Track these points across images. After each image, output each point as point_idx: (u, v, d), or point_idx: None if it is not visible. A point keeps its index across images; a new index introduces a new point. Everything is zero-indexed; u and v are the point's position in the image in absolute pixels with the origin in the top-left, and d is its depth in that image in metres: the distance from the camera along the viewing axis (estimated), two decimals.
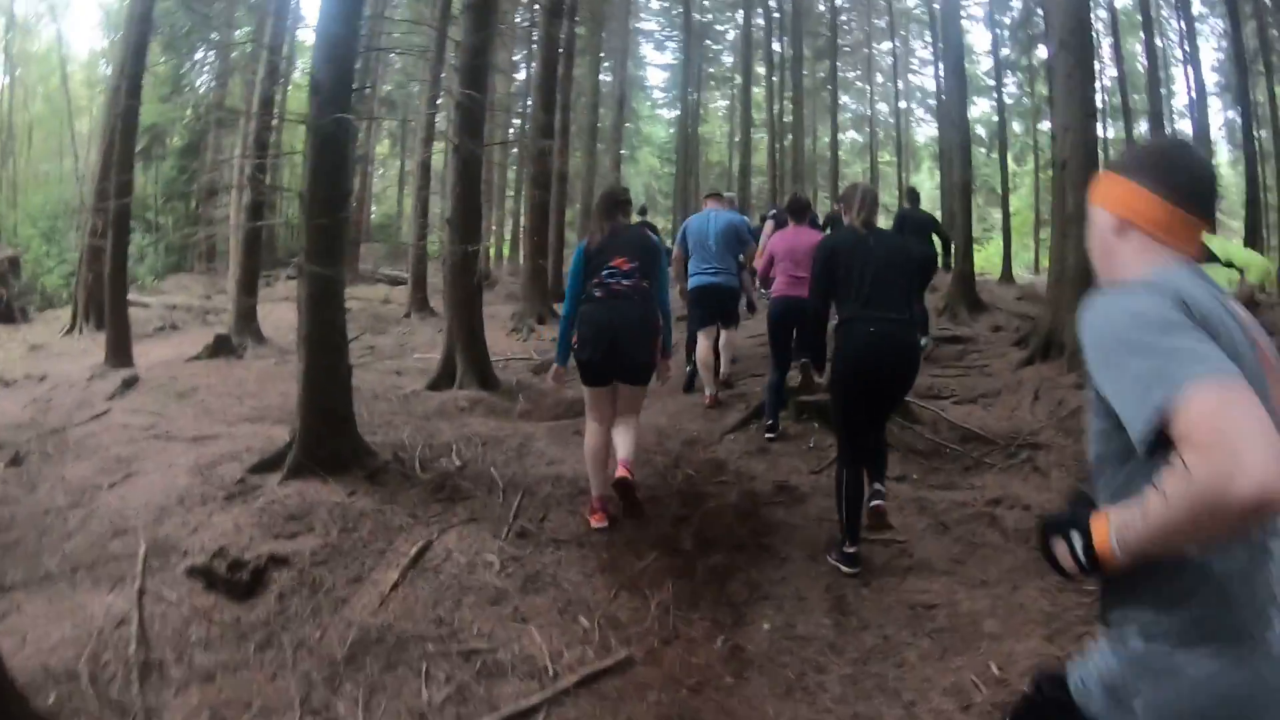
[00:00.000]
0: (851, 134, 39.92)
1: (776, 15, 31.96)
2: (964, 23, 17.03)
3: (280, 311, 16.29)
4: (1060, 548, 1.30)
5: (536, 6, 13.54)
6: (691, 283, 7.14)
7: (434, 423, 6.64)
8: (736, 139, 39.02)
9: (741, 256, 7.23)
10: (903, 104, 37.01)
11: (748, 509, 4.83)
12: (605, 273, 4.35)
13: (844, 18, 35.35)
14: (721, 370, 7.33)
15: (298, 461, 5.07)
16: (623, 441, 4.39)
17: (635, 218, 8.54)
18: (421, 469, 5.36)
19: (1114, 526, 1.21)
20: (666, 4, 36.68)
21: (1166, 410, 1.10)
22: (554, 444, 5.92)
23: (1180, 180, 1.40)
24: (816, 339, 4.49)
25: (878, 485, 4.28)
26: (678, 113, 36.56)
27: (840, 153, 38.07)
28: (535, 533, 4.38)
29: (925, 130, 40.01)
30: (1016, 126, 31.26)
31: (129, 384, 8.14)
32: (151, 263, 24.44)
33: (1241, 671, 1.19)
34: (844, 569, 4.07)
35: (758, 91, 34.45)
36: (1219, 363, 1.12)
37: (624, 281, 4.34)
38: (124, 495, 5.00)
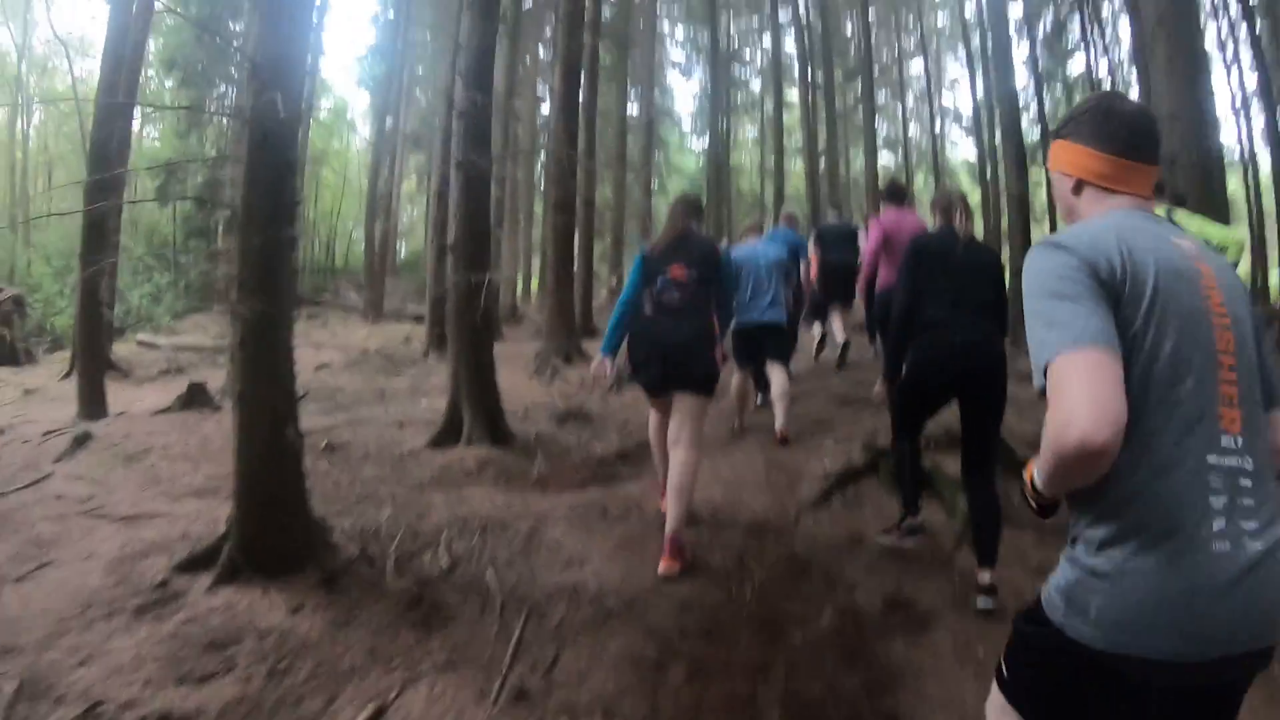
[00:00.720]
0: (885, 155, 38.47)
1: (806, 38, 30.72)
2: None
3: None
4: (1026, 490, 1.51)
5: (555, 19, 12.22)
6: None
7: (426, 495, 5.25)
8: (767, 166, 37.95)
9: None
10: (937, 123, 35.53)
11: (853, 644, 3.28)
12: (660, 283, 4.18)
13: (873, 37, 34.08)
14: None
15: (232, 560, 3.80)
16: (673, 504, 4.00)
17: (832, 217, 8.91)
18: (396, 571, 3.95)
19: (1035, 469, 1.46)
20: (692, 33, 35.77)
21: (1046, 373, 1.32)
22: (575, 531, 4.48)
23: (1117, 132, 1.52)
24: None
25: (985, 575, 3.52)
26: (707, 143, 35.58)
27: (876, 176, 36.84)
28: (539, 692, 2.90)
29: (958, 152, 38.65)
30: None
31: (80, 442, 6.82)
32: (170, 303, 23.43)
33: (1176, 572, 1.28)
34: (908, 545, 4.01)
35: (788, 118, 33.15)
36: (1082, 334, 1.29)
37: (676, 294, 4.15)
38: (29, 594, 3.86)
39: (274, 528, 3.84)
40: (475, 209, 6.81)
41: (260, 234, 3.75)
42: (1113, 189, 1.52)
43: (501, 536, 4.36)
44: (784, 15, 29.99)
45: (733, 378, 6.60)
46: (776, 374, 6.44)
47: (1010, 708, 1.51)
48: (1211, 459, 1.32)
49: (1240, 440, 1.34)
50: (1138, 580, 1.30)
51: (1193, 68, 7.29)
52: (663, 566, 3.84)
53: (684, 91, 49.72)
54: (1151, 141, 1.55)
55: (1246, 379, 1.39)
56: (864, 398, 6.65)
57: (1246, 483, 1.33)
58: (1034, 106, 24.22)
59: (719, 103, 32.62)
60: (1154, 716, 1.35)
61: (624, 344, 4.32)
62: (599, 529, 4.44)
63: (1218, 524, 1.30)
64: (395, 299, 26.92)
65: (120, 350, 16.38)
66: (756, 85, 38.10)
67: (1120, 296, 1.35)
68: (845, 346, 8.39)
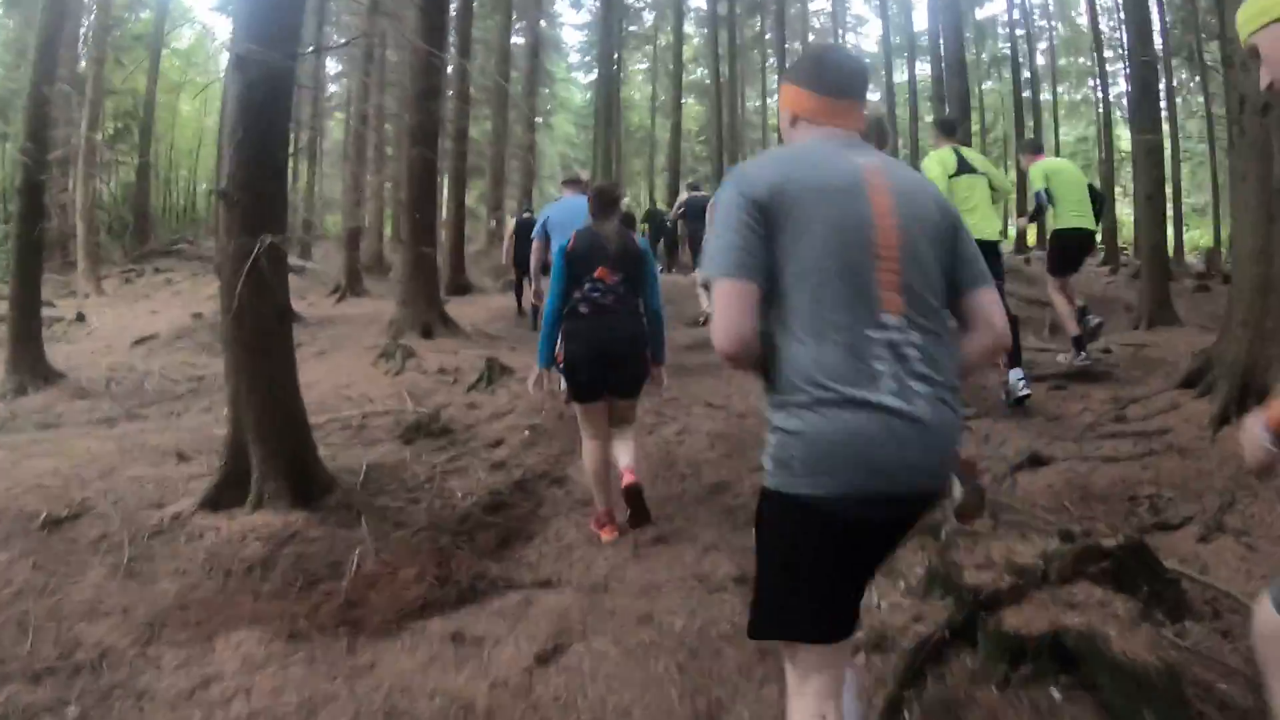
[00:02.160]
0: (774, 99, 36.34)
1: None
2: None
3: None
4: None
5: None
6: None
7: (127, 682, 2.76)
8: (659, 101, 35.34)
9: None
10: None
11: None
12: (589, 286, 3.91)
13: None
14: None
15: None
16: (624, 450, 4.03)
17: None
18: None
19: None
20: None
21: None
22: None
23: (827, 76, 1.77)
24: None
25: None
26: (595, 76, 32.73)
27: (769, 120, 34.74)
28: None
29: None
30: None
31: None
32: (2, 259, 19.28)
33: (854, 422, 1.50)
34: None
35: (686, 51, 30.57)
36: (727, 267, 1.55)
37: (609, 296, 3.92)
38: None
39: None
40: (262, 133, 4.20)
41: None
42: (819, 122, 1.76)
43: None
44: None
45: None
46: None
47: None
48: (871, 333, 1.54)
49: (903, 319, 1.56)
50: (824, 429, 1.51)
51: None
52: (626, 479, 3.92)
53: (573, 21, 46.60)
54: (857, 83, 1.80)
55: (911, 270, 1.59)
56: None
57: (913, 352, 1.56)
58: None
59: (610, 32, 29.80)
60: (852, 550, 1.60)
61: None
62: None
63: (887, 384, 1.52)
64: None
65: None
66: (649, 17, 35.10)
67: (769, 213, 1.57)
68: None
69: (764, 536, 1.66)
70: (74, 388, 8.10)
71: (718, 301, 1.56)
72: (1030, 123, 24.68)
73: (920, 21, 27.29)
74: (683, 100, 27.43)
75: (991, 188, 5.77)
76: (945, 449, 1.60)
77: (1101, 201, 6.41)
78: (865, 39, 34.32)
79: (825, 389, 1.51)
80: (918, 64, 28.21)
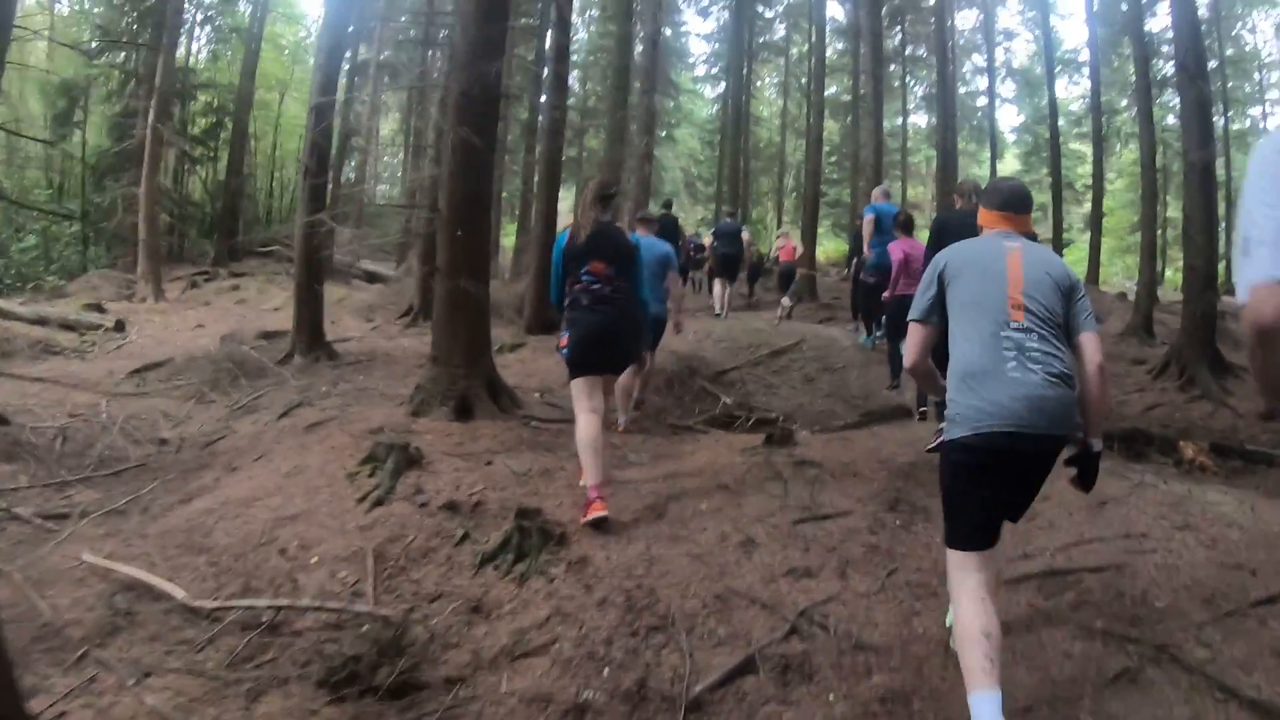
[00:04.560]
0: (918, 118, 32.23)
1: None
2: None
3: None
4: None
5: None
6: None
7: None
8: (791, 117, 31.94)
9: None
10: (982, 83, 29.21)
11: None
12: (585, 278, 4.15)
13: None
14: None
15: None
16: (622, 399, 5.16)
17: (657, 210, 9.85)
18: None
19: None
20: None
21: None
22: None
23: (998, 200, 2.76)
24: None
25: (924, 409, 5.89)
26: (722, 88, 29.72)
27: (909, 139, 30.82)
28: None
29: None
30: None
31: None
32: (68, 257, 17.81)
33: (992, 390, 2.40)
34: None
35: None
36: (917, 312, 2.65)
37: (605, 288, 4.15)
38: None
39: None
40: None
41: None
42: (993, 227, 2.74)
43: None
44: None
45: None
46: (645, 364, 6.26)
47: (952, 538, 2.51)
48: (1003, 334, 2.43)
49: (1023, 325, 2.43)
50: (975, 396, 2.40)
51: None
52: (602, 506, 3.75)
53: (699, 31, 44.10)
54: (1017, 203, 2.75)
55: (1033, 300, 2.46)
56: None
57: (1031, 347, 2.40)
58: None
59: (740, 43, 26.68)
60: (999, 477, 2.42)
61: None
62: None
63: (1010, 364, 2.38)
64: (353, 253, 21.19)
65: None
66: (781, 29, 31.72)
67: (944, 278, 2.60)
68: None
69: (946, 486, 2.54)
70: (6, 442, 5.68)
71: (911, 334, 2.69)
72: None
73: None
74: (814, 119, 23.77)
75: None
76: (1056, 413, 2.37)
77: None
78: (1014, 56, 29.86)
79: (974, 372, 2.42)
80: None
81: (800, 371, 7.46)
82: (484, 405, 5.73)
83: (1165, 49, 17.91)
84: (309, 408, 6.62)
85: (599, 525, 3.66)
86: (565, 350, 4.17)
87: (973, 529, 2.41)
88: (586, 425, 4.05)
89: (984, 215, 2.77)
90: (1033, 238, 2.86)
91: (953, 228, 4.74)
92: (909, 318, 2.67)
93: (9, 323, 11.82)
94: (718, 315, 10.75)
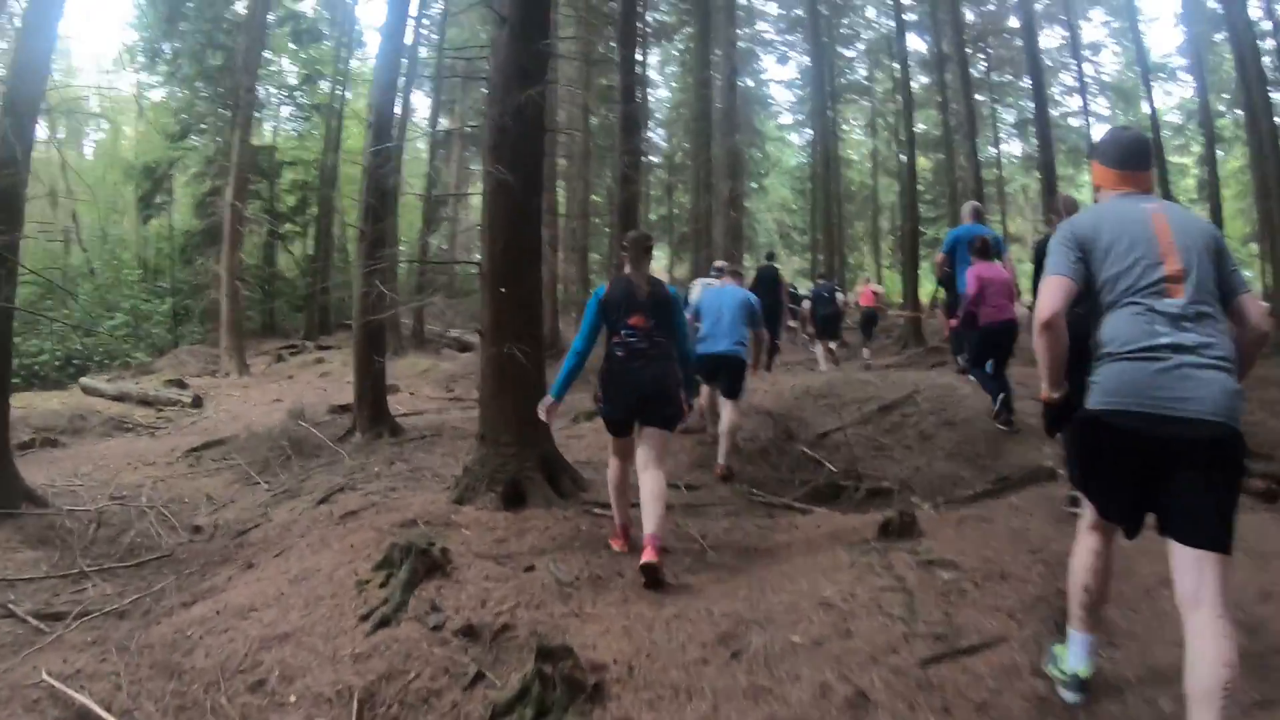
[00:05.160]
0: (1010, 146, 30.49)
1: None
2: None
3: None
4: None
5: None
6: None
7: None
8: (882, 157, 30.71)
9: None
10: (1073, 103, 27.33)
11: None
12: (625, 331, 4.01)
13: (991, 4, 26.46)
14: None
15: None
16: (651, 509, 3.80)
17: (762, 261, 10.71)
18: None
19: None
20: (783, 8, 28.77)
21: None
22: None
23: (1118, 154, 2.42)
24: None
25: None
26: (808, 135, 28.77)
27: (1003, 168, 29.10)
28: None
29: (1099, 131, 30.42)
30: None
31: None
32: (158, 335, 18.24)
33: (1140, 364, 2.16)
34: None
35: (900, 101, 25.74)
36: (1059, 267, 2.30)
37: (643, 342, 4.00)
38: None
39: None
40: None
41: None
42: (1116, 188, 2.42)
43: None
44: None
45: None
46: (726, 410, 5.99)
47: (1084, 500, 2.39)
48: (1158, 306, 2.16)
49: (1181, 301, 2.15)
50: (1122, 369, 2.17)
51: None
52: (646, 555, 3.60)
53: (780, 79, 43.10)
54: (1141, 157, 2.44)
55: (1186, 269, 2.17)
56: None
57: (1187, 324, 2.13)
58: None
59: (821, 86, 25.72)
60: (1142, 458, 2.15)
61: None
62: None
63: (1164, 339, 2.12)
64: (446, 321, 20.99)
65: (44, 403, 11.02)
66: (863, 69, 30.69)
67: (1083, 244, 2.29)
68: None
69: (1075, 456, 2.35)
70: (40, 526, 5.29)
71: (1043, 288, 2.31)
72: None
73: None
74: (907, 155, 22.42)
75: None
76: (1215, 396, 2.07)
77: None
78: (1103, 68, 27.89)
79: (1124, 344, 2.18)
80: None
81: (915, 429, 6.25)
82: (538, 490, 4.83)
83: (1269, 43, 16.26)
84: (352, 492, 5.90)
85: (650, 575, 3.56)
86: (602, 405, 4.12)
87: (1107, 500, 2.30)
88: (613, 470, 4.20)
89: (1103, 174, 2.46)
90: None
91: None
92: (1046, 273, 2.35)
93: (91, 399, 11.93)
94: (822, 371, 10.76)
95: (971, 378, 6.80)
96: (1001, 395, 6.01)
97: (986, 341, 6.23)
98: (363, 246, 8.25)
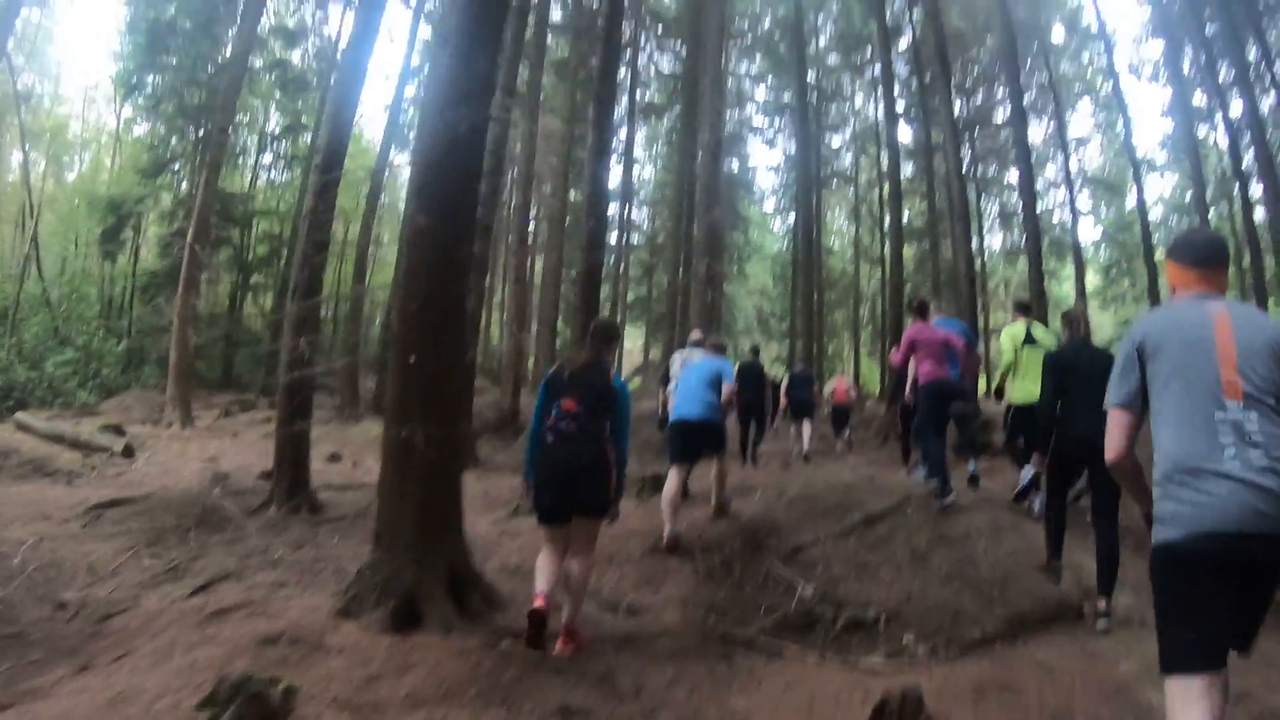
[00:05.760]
0: (994, 238, 30.43)
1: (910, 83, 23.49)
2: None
3: None
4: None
5: None
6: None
7: None
8: (864, 246, 30.38)
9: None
10: (1057, 196, 27.42)
11: None
12: (555, 413, 3.87)
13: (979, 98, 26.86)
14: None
15: None
16: (569, 599, 3.78)
17: (746, 356, 10.68)
18: None
19: None
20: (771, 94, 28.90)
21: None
22: None
23: (1191, 254, 2.33)
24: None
25: (1102, 602, 4.13)
26: (791, 221, 28.52)
27: (985, 260, 28.75)
28: None
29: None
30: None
31: None
32: (109, 376, 17.15)
33: (1207, 483, 2.00)
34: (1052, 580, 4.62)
35: (883, 190, 25.53)
36: (1118, 397, 2.22)
37: (571, 425, 3.84)
38: None
39: None
40: None
41: None
42: (1188, 286, 2.30)
43: None
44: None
45: (665, 484, 5.88)
46: (714, 466, 6.07)
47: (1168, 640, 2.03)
48: (1218, 415, 2.01)
49: (1241, 405, 2.01)
50: (1189, 490, 1.98)
51: None
52: (558, 647, 3.66)
53: (767, 164, 43.64)
54: (1214, 256, 2.33)
55: (1248, 372, 2.04)
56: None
57: (1251, 429, 1.97)
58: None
59: (807, 171, 25.48)
60: (1223, 586, 1.94)
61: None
62: None
63: (1229, 453, 1.96)
64: None
65: None
66: (849, 158, 30.73)
67: (1144, 354, 2.19)
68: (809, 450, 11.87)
69: (1159, 597, 2.07)
70: None
71: (1110, 425, 2.25)
72: None
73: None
74: (892, 242, 21.92)
75: None
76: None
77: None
78: (1088, 161, 28.16)
79: (1185, 461, 2.01)
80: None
81: (906, 544, 5.23)
82: (437, 609, 3.80)
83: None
84: (236, 583, 4.86)
85: (536, 621, 3.49)
86: (534, 492, 3.92)
87: (1193, 642, 1.97)
88: (544, 555, 3.88)
89: (1177, 273, 2.36)
90: None
91: (1064, 362, 4.70)
92: (1107, 405, 2.26)
93: (21, 436, 10.78)
94: (805, 456, 11.74)
95: (919, 471, 6.40)
96: (941, 479, 5.68)
97: (929, 400, 6.06)
98: (293, 305, 7.31)
